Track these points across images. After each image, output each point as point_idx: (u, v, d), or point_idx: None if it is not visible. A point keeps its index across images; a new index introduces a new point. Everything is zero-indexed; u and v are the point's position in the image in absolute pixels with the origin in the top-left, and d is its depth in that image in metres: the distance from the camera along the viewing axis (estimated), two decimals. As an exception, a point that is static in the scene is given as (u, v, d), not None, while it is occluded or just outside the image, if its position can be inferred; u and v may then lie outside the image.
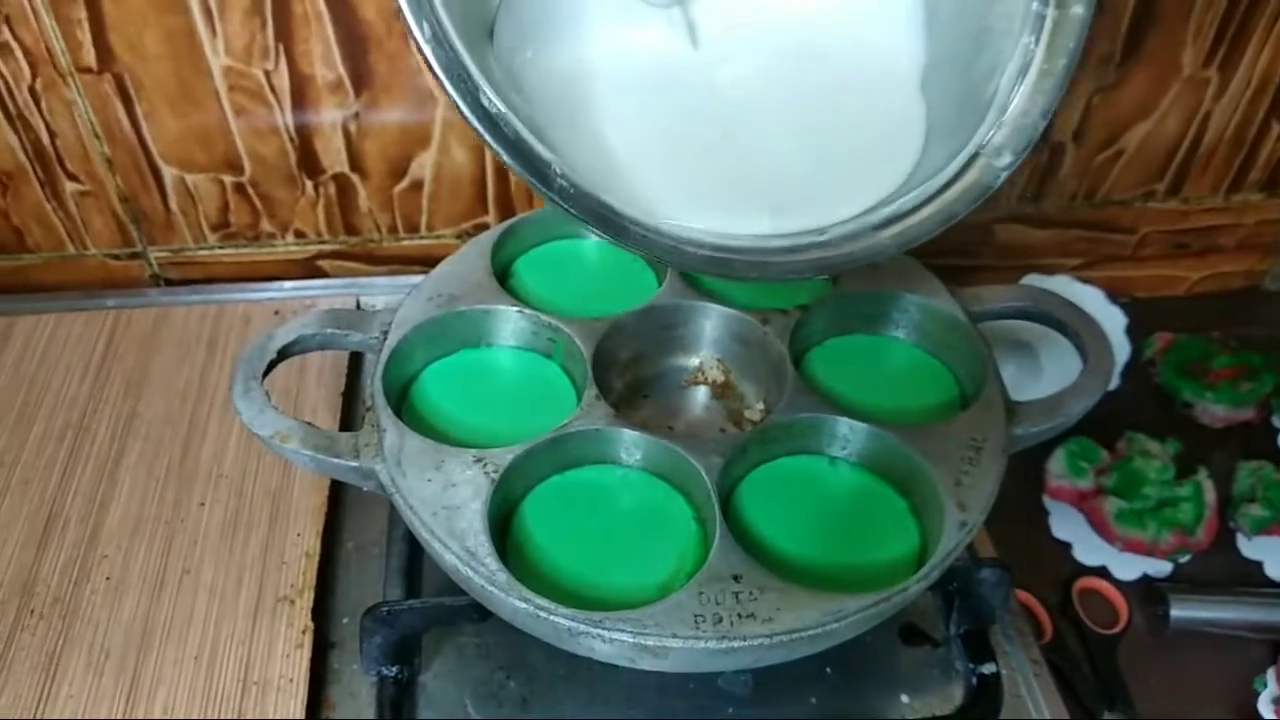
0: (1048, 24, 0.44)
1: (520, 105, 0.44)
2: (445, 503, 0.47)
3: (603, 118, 0.49)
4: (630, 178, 0.47)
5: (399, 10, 0.39)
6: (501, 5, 0.46)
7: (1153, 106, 0.77)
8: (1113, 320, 0.78)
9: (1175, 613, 0.68)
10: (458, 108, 0.40)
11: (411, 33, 0.39)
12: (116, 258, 0.79)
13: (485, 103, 0.40)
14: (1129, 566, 0.72)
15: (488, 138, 0.40)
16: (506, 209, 0.78)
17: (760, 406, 0.58)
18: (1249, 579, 0.70)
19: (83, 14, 0.65)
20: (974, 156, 0.46)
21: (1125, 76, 0.74)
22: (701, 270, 0.48)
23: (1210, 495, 0.71)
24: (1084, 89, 0.75)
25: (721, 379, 0.60)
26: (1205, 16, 0.71)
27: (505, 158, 0.41)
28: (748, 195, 0.49)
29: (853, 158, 0.50)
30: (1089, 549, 0.73)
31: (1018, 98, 0.45)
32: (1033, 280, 0.81)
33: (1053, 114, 0.45)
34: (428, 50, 0.39)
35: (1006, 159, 0.45)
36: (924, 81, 0.50)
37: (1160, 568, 0.71)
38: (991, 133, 0.45)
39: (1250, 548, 0.72)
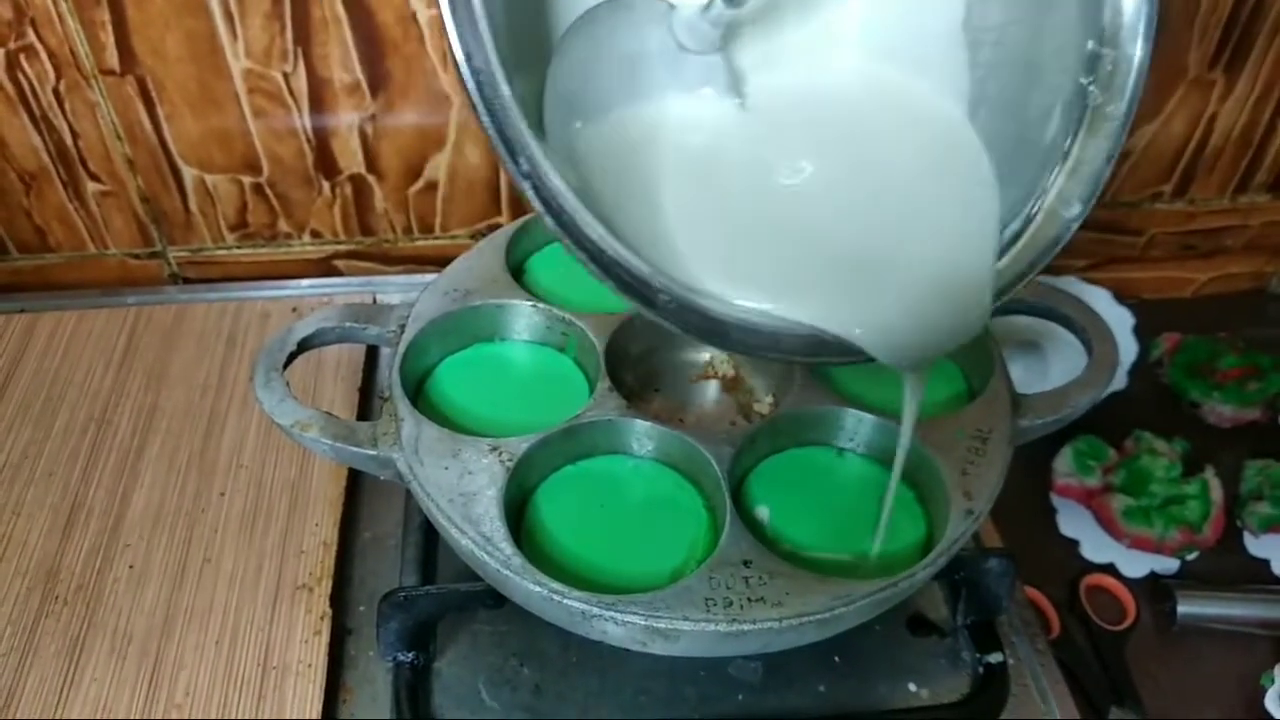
0: (1105, 64, 0.41)
1: (575, 180, 0.41)
2: (462, 490, 0.48)
3: (661, 200, 0.45)
4: (700, 263, 0.43)
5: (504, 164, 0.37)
6: (547, 85, 0.43)
7: (1159, 108, 0.77)
8: (1120, 320, 0.79)
9: (1182, 609, 0.68)
10: (575, 256, 0.38)
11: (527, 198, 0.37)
12: (136, 257, 0.80)
13: (594, 236, 0.38)
14: (1136, 563, 0.72)
15: (592, 267, 0.39)
16: (519, 209, 0.79)
17: (769, 400, 0.59)
18: (1256, 576, 0.71)
19: (106, 17, 0.66)
20: (1039, 207, 0.43)
21: (1131, 78, 0.75)
22: (798, 357, 0.44)
23: (1217, 493, 0.72)
24: (1090, 91, 0.76)
25: (731, 373, 0.61)
26: (1210, 19, 0.72)
27: (623, 293, 0.39)
28: (834, 282, 0.45)
29: (937, 237, 0.46)
30: (1096, 546, 0.73)
31: (1079, 143, 0.43)
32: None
33: (1116, 158, 0.42)
34: (533, 199, 0.37)
35: (1075, 209, 0.43)
36: (973, 118, 0.47)
37: (1167, 565, 0.72)
38: (1055, 179, 0.43)
39: (1257, 545, 0.72)
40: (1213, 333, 0.83)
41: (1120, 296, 0.79)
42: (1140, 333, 0.80)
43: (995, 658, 0.54)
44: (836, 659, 0.55)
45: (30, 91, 0.70)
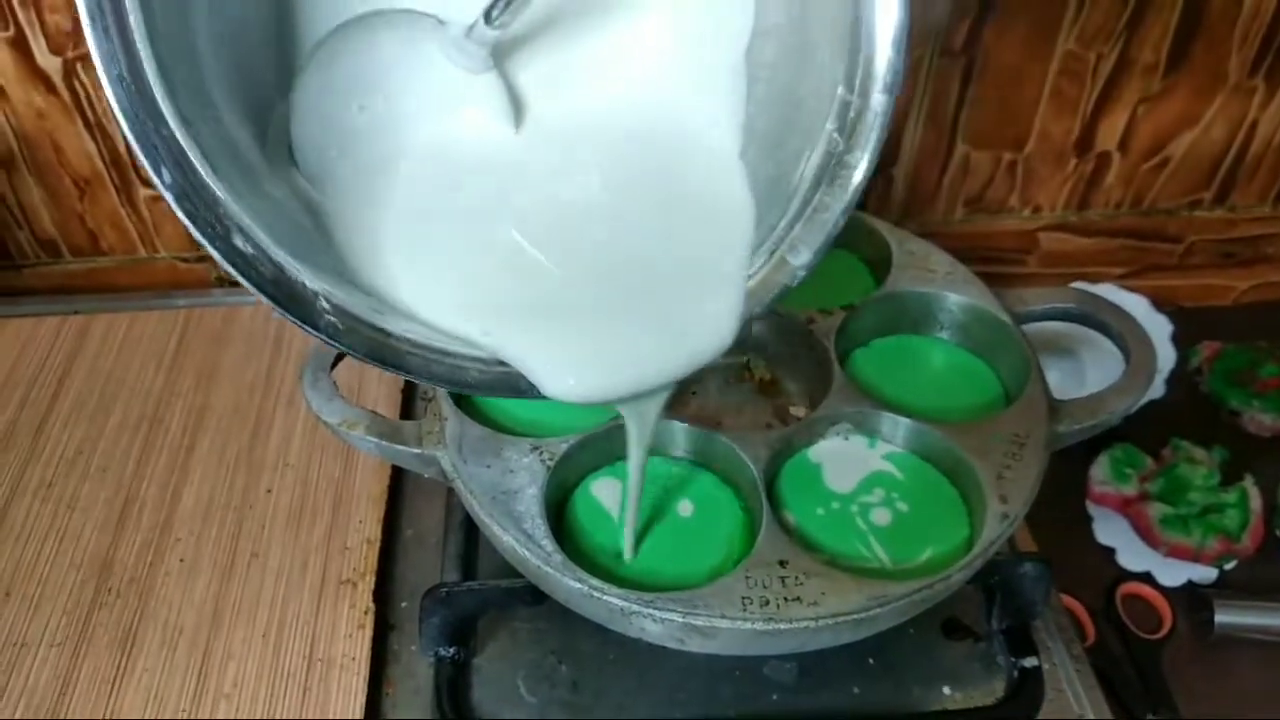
0: (850, 112, 0.40)
1: (326, 207, 0.41)
2: (504, 488, 0.49)
3: (396, 215, 0.43)
4: (420, 286, 0.42)
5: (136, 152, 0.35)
6: (295, 99, 0.42)
7: (1198, 115, 0.77)
8: (1158, 328, 0.79)
9: (1220, 618, 0.68)
10: (210, 254, 0.37)
11: (155, 183, 0.35)
12: (185, 260, 0.82)
13: (239, 244, 0.36)
14: (1173, 572, 0.72)
15: (244, 280, 0.37)
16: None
17: (805, 404, 0.59)
18: (1295, 586, 0.70)
19: (161, 27, 0.68)
20: (773, 252, 0.43)
21: (1171, 86, 0.75)
22: (485, 392, 0.44)
23: (1256, 502, 0.71)
24: (1129, 98, 0.76)
25: (767, 377, 0.61)
26: (1251, 25, 0.72)
27: (264, 299, 0.38)
28: (550, 319, 0.43)
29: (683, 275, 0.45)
30: (1133, 554, 0.73)
31: (821, 191, 0.41)
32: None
33: (851, 212, 0.41)
34: (173, 203, 0.35)
35: (804, 257, 0.42)
36: (742, 155, 0.46)
37: (1205, 574, 0.72)
38: (792, 226, 0.42)
39: (1297, 555, 0.72)
40: (1252, 341, 0.83)
41: (1159, 304, 0.79)
42: (1179, 341, 0.79)
43: (1030, 662, 0.54)
44: (871, 661, 0.55)
45: (86, 99, 0.72)
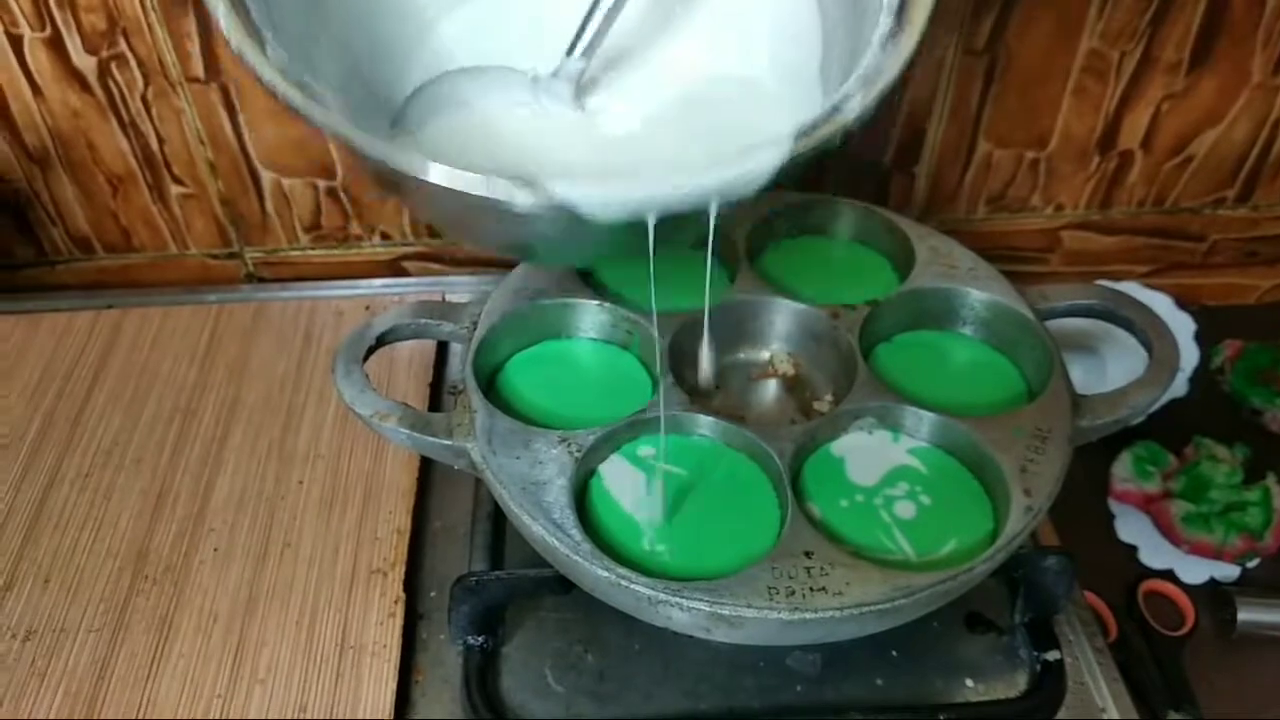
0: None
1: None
2: (533, 479, 0.50)
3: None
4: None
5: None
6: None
7: (1222, 113, 0.77)
8: (1181, 326, 0.79)
9: (1242, 616, 0.68)
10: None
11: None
12: (215, 257, 0.83)
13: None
14: (1196, 570, 0.72)
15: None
16: (583, 213, 0.81)
17: (829, 398, 0.60)
18: (1318, 583, 0.70)
19: (193, 28, 0.69)
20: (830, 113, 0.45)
21: (1194, 84, 0.75)
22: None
23: (1279, 500, 0.71)
24: (1153, 96, 0.76)
25: (792, 372, 0.62)
26: (1275, 24, 0.72)
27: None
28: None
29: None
30: (1155, 552, 0.73)
31: (868, 64, 0.46)
32: (1100, 286, 0.81)
33: (900, 78, 0.45)
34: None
35: (855, 103, 0.45)
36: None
37: (1227, 571, 0.72)
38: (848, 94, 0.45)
39: (1320, 552, 0.72)
40: (1275, 340, 0.83)
41: (1181, 303, 0.79)
42: (1202, 339, 0.79)
43: (1053, 655, 0.55)
44: (894, 653, 0.55)
45: (120, 98, 0.73)
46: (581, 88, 0.53)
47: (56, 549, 0.60)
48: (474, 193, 0.39)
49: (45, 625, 0.56)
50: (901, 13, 0.45)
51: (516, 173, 0.40)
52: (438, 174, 0.39)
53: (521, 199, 0.39)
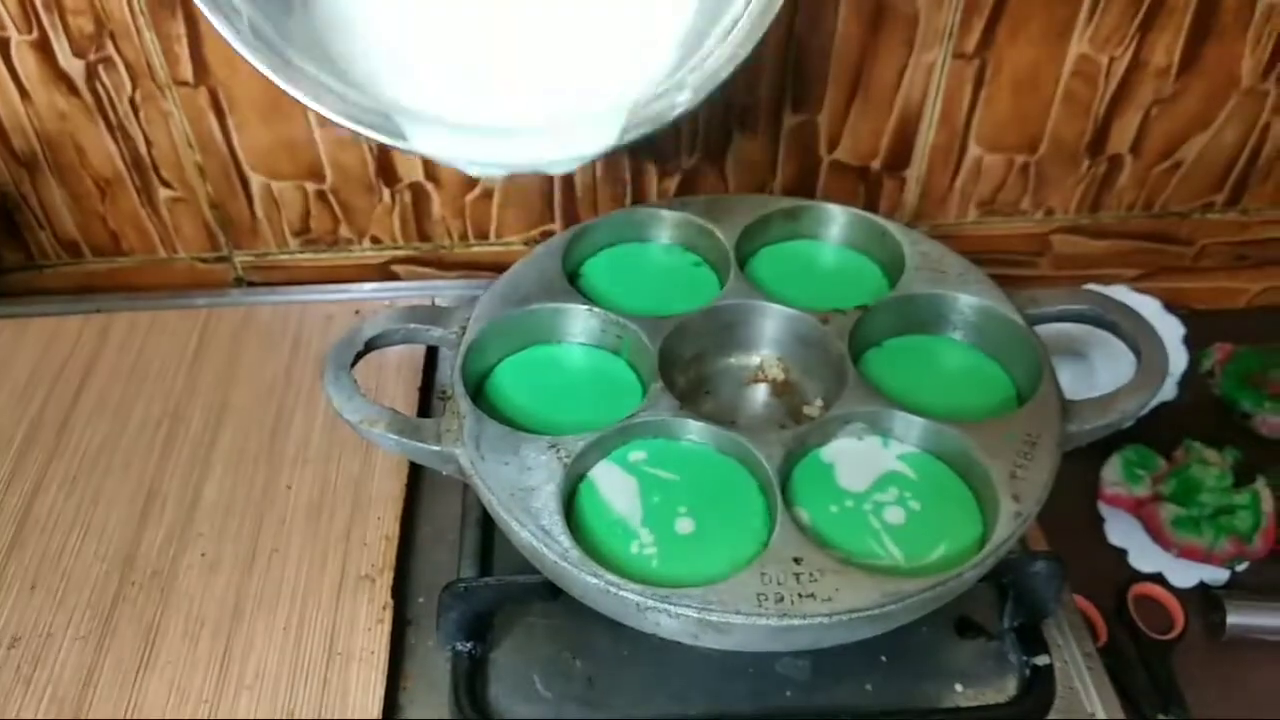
0: None
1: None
2: (521, 485, 0.50)
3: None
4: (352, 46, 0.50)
5: None
6: None
7: (1211, 118, 0.77)
8: (1170, 330, 0.79)
9: (1232, 619, 0.68)
10: None
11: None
12: (204, 261, 0.83)
13: None
14: (1185, 573, 0.72)
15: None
16: (571, 217, 0.81)
17: (819, 403, 0.60)
18: (1307, 587, 0.71)
19: (181, 30, 0.69)
20: (663, 91, 0.49)
21: (1183, 88, 0.75)
22: (357, 124, 0.48)
23: (1268, 504, 0.71)
24: (1142, 101, 0.76)
25: (781, 377, 0.62)
26: (1264, 28, 0.72)
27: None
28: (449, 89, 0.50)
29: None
30: (1145, 555, 0.73)
31: (719, 48, 0.48)
32: (1089, 290, 0.82)
33: (739, 65, 0.48)
34: None
35: (685, 96, 0.48)
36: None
37: (1217, 575, 0.72)
38: (687, 74, 0.48)
39: (1309, 556, 0.72)
40: (1265, 343, 0.83)
41: (1171, 306, 0.79)
42: (1191, 343, 0.79)
43: (1042, 660, 0.55)
44: (884, 658, 0.55)
45: (108, 101, 0.73)
46: None
47: (43, 554, 0.60)
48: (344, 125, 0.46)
49: (31, 631, 0.56)
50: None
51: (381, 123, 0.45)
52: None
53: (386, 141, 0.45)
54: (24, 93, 0.72)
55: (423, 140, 0.45)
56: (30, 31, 0.69)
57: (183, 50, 0.70)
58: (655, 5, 0.53)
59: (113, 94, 0.72)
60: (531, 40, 0.52)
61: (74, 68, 0.71)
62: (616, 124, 0.47)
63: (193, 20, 0.68)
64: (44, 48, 0.69)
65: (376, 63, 0.48)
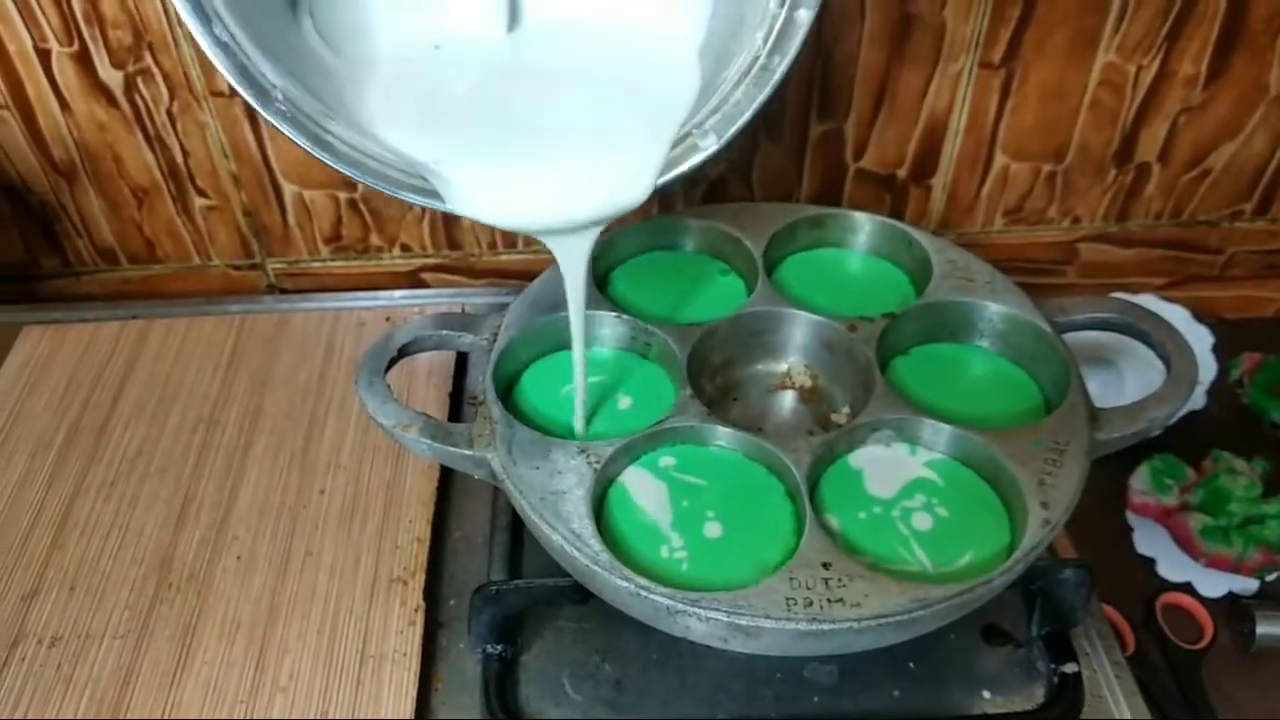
0: (778, 24, 0.47)
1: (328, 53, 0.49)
2: (552, 489, 0.51)
3: (387, 64, 0.51)
4: (386, 112, 0.49)
5: None
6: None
7: (1239, 126, 0.77)
8: (1199, 339, 0.79)
9: (1262, 630, 0.68)
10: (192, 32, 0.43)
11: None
12: (237, 268, 0.84)
13: (217, 31, 0.43)
14: (1214, 583, 0.72)
15: (215, 61, 0.43)
16: (600, 225, 0.82)
17: (846, 410, 0.60)
18: (1338, 597, 0.70)
19: (219, 43, 0.70)
20: (686, 135, 0.48)
21: (1211, 97, 0.75)
22: (396, 190, 0.48)
23: (1298, 513, 0.71)
24: (1170, 109, 0.76)
25: (809, 384, 0.62)
26: (1293, 37, 0.72)
27: (230, 79, 0.43)
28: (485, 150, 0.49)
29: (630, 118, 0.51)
30: (1173, 565, 0.73)
31: (739, 89, 0.47)
32: (1116, 298, 0.81)
33: (760, 109, 0.47)
34: None
35: (710, 140, 0.47)
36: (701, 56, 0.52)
37: (1246, 585, 0.71)
38: (708, 116, 0.48)
39: (1340, 567, 0.71)
40: (1295, 353, 0.83)
41: (1199, 315, 0.79)
42: (1219, 352, 0.79)
43: (1070, 668, 0.55)
44: (911, 665, 0.56)
45: (146, 112, 0.74)
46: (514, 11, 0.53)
47: (82, 556, 0.61)
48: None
49: (71, 631, 0.57)
50: (771, 39, 0.47)
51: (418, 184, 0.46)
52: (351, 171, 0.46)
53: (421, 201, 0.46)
54: (64, 104, 0.73)
55: (460, 204, 0.46)
56: (71, 44, 0.70)
57: (219, 62, 0.71)
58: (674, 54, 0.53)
59: (150, 105, 0.74)
60: (559, 108, 0.53)
61: (113, 79, 0.72)
62: (650, 175, 0.47)
63: (229, 33, 0.70)
64: (84, 60, 0.71)
65: (410, 130, 0.49)
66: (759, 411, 0.62)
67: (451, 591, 0.60)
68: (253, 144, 0.76)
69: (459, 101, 0.51)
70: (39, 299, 0.85)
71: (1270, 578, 0.71)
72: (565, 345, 0.61)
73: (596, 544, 0.48)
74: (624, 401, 0.59)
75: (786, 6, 0.46)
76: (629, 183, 0.47)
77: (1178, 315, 0.78)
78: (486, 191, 0.46)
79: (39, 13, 0.68)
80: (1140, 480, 0.75)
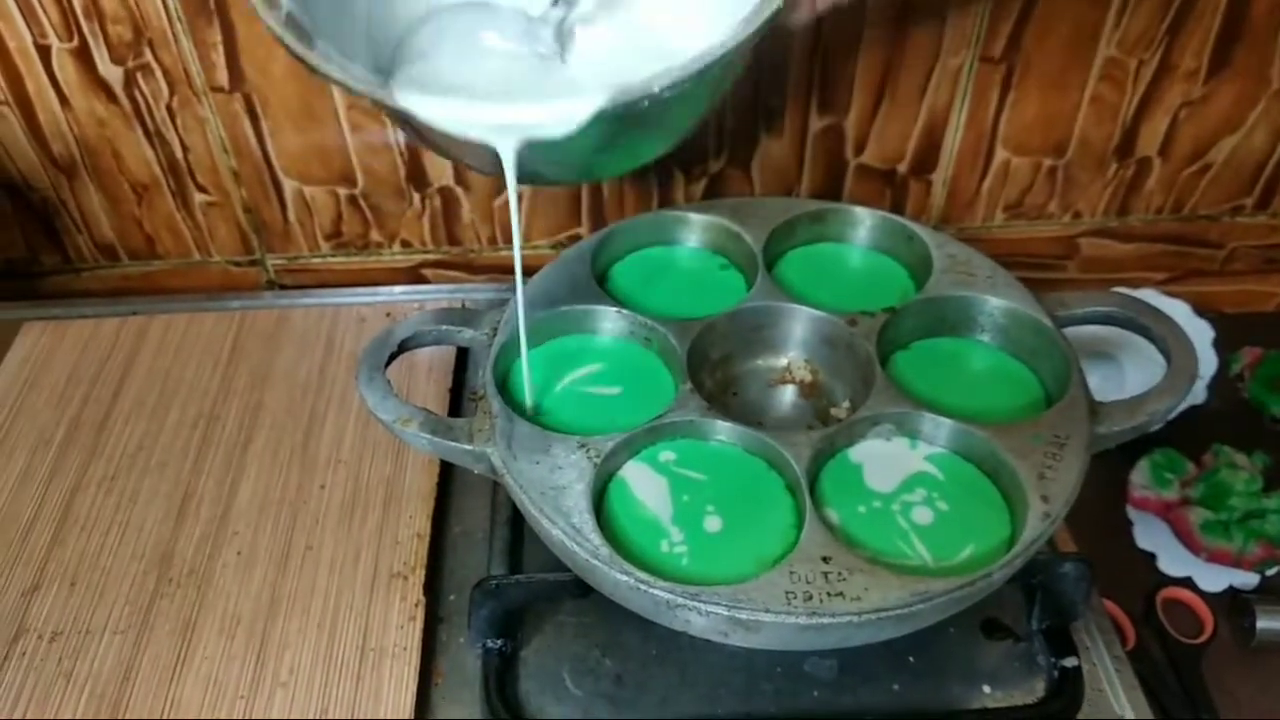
0: None
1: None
2: (552, 483, 0.51)
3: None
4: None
5: None
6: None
7: (1240, 120, 0.77)
8: (1199, 333, 0.78)
9: (1262, 624, 0.68)
10: None
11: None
12: (237, 264, 0.84)
13: None
14: (1215, 577, 0.72)
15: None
16: (599, 220, 0.82)
17: (846, 405, 0.60)
18: (1339, 592, 0.70)
19: (218, 38, 0.70)
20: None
21: (1212, 91, 0.75)
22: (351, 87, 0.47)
23: (1299, 507, 0.71)
24: (1170, 103, 0.76)
25: (809, 379, 0.62)
26: (1295, 31, 0.72)
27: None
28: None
29: None
30: (1174, 559, 0.73)
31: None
32: (1117, 293, 0.81)
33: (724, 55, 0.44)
34: None
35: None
36: None
37: (1247, 579, 0.71)
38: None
39: (1340, 561, 0.71)
40: (1296, 347, 0.82)
41: (1200, 310, 0.79)
42: (1220, 346, 0.79)
43: (1070, 662, 0.55)
44: (911, 659, 0.56)
45: (145, 108, 0.74)
46: (564, 35, 0.52)
47: (83, 552, 0.61)
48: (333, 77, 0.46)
49: (71, 626, 0.57)
50: None
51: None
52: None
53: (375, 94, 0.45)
54: (64, 100, 0.73)
55: (407, 99, 0.45)
56: (71, 39, 0.70)
57: (219, 57, 0.71)
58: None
59: (150, 100, 0.74)
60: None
61: (113, 75, 0.72)
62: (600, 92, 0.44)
63: (229, 27, 0.70)
64: (84, 55, 0.71)
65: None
66: (759, 406, 0.62)
67: (451, 586, 0.60)
68: (253, 140, 0.76)
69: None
70: (39, 295, 0.85)
71: (1271, 572, 0.71)
72: (565, 338, 0.61)
73: (596, 538, 0.48)
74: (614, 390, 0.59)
75: None
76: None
77: (1178, 310, 0.78)
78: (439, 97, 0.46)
79: (39, 8, 0.68)
80: (1141, 474, 0.75)
